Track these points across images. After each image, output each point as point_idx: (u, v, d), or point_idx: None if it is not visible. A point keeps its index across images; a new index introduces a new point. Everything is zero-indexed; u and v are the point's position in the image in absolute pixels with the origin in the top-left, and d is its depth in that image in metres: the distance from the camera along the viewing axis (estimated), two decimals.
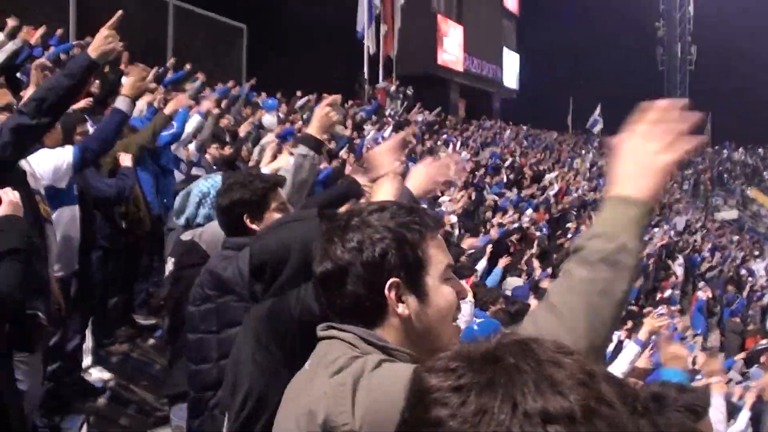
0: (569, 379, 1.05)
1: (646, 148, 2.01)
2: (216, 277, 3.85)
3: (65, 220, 6.24)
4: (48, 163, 5.96)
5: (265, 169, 6.64)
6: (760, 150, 59.53)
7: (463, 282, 2.24)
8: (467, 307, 7.83)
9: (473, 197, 19.95)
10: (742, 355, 19.07)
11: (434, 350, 2.05)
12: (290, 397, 2.09)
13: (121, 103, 6.22)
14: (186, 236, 4.75)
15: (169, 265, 5.11)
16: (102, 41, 4.99)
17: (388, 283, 2.02)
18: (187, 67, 18.65)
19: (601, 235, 1.95)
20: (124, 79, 8.60)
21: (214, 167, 11.18)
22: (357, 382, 1.86)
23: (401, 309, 2.03)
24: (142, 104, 10.67)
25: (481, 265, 13.54)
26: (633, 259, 1.94)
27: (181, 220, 4.89)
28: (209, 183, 4.79)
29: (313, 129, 4.63)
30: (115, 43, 5.02)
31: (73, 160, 6.09)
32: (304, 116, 21.59)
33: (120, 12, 5.12)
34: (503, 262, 14.20)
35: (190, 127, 10.99)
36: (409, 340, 2.06)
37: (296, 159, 4.41)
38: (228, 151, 12.49)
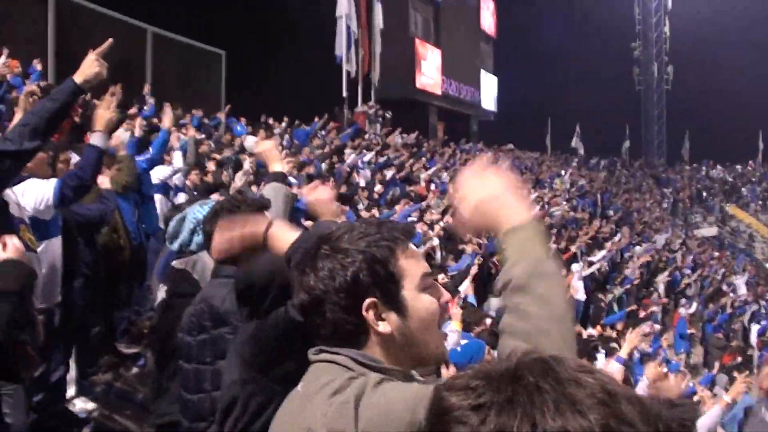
0: (589, 398, 1.05)
1: (491, 186, 2.19)
2: (211, 308, 3.83)
3: (51, 251, 6.20)
4: (31, 194, 5.91)
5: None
6: (738, 167, 59.93)
7: (442, 288, 2.24)
8: (454, 336, 7.84)
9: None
10: (715, 370, 19.21)
11: (422, 359, 2.14)
12: (284, 420, 2.07)
13: (96, 138, 6.13)
14: (179, 264, 4.72)
15: (161, 293, 5.08)
16: (88, 66, 4.97)
17: (365, 304, 2.03)
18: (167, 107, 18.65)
19: (516, 263, 2.08)
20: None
21: (195, 193, 11.19)
22: (359, 400, 1.85)
23: (382, 327, 2.04)
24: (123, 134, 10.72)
25: (464, 286, 13.53)
26: (553, 265, 2.09)
27: (174, 246, 4.85)
28: (204, 210, 4.73)
29: (270, 165, 4.67)
30: (102, 69, 5.01)
31: (53, 198, 6.01)
32: (284, 141, 21.65)
33: (110, 40, 5.12)
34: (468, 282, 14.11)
35: (178, 162, 11.08)
36: (396, 354, 2.08)
37: (272, 191, 4.40)
38: (209, 177, 12.51)
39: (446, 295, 2.23)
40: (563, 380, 1.07)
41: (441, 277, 12.28)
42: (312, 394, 1.97)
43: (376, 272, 2.04)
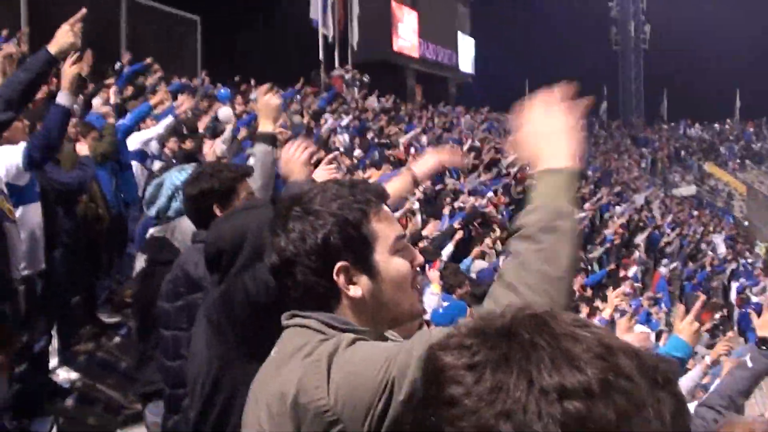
0: (586, 353, 1.04)
1: (547, 121, 2.17)
2: (186, 274, 3.83)
3: (30, 217, 6.16)
4: (2, 162, 5.87)
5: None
6: (716, 125, 60.17)
7: (412, 248, 2.24)
8: (434, 299, 7.86)
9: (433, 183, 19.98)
10: (705, 327, 19.27)
11: (395, 319, 2.15)
12: (259, 385, 2.07)
13: (61, 97, 6.01)
14: (157, 232, 4.70)
15: (140, 262, 5.06)
16: (62, 36, 4.93)
17: (336, 267, 2.02)
18: (148, 61, 18.46)
19: (536, 209, 2.04)
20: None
21: (174, 161, 11.14)
22: (332, 358, 1.86)
23: (353, 291, 2.04)
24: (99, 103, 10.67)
25: (447, 250, 13.56)
26: (570, 222, 2.03)
27: (152, 212, 4.82)
28: (183, 176, 4.70)
29: (262, 123, 4.59)
30: (76, 38, 4.97)
31: (22, 161, 5.96)
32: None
33: (84, 10, 5.08)
34: (475, 252, 14.21)
35: (162, 126, 11.02)
36: (369, 316, 2.08)
37: (257, 159, 4.36)
38: (189, 144, 12.44)
39: (419, 258, 2.22)
40: (559, 335, 1.06)
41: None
42: (286, 358, 1.98)
43: (347, 235, 2.03)
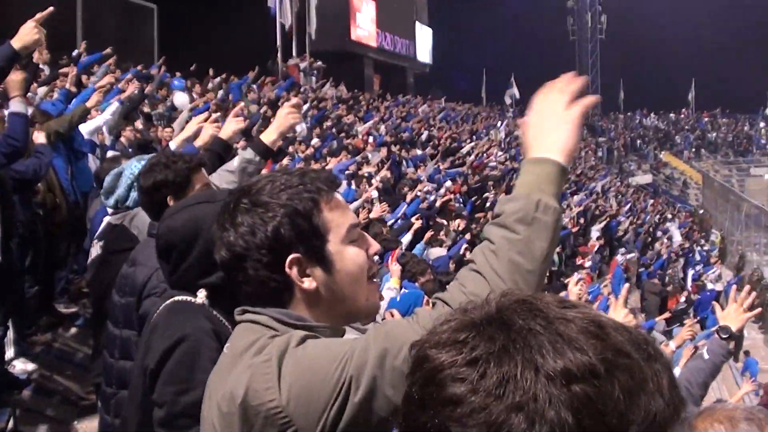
0: (582, 333, 1.04)
1: (551, 108, 2.07)
2: (134, 277, 3.75)
3: None
4: None
5: (173, 143, 6.50)
6: (671, 115, 60.76)
7: (369, 237, 2.18)
8: (392, 293, 7.86)
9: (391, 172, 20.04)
10: (665, 315, 19.51)
11: (352, 313, 2.10)
12: (212, 382, 2.02)
13: (16, 105, 6.11)
14: (115, 220, 4.66)
15: (96, 249, 5.01)
16: (27, 33, 4.91)
17: (288, 260, 1.97)
18: (107, 51, 18.30)
19: (518, 198, 1.96)
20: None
21: (129, 149, 11.07)
22: (282, 357, 1.81)
23: (307, 284, 1.98)
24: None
25: (407, 238, 13.59)
26: (551, 216, 1.94)
27: (110, 201, 4.77)
28: (141, 165, 4.64)
29: (271, 130, 4.50)
30: (41, 35, 4.96)
31: None
32: (218, 95, 21.48)
33: (51, 9, 5.07)
34: (426, 236, 14.26)
35: (108, 113, 10.90)
36: (324, 310, 2.03)
37: (241, 162, 4.29)
38: (139, 125, 12.41)
39: (375, 246, 2.17)
40: (552, 319, 1.06)
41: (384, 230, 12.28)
42: (236, 355, 1.93)
43: (298, 226, 1.98)
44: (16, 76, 5.99)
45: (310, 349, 1.83)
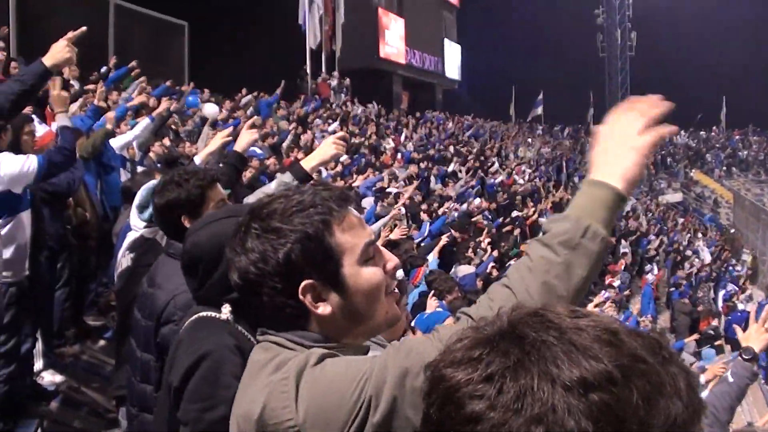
0: (596, 342, 1.04)
1: (624, 130, 2.02)
2: (153, 300, 3.70)
3: (21, 225, 6.22)
4: (8, 168, 5.88)
5: (198, 158, 6.54)
6: (702, 133, 60.31)
7: (386, 251, 2.11)
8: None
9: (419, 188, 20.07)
10: (694, 337, 19.34)
11: (372, 329, 2.06)
12: (236, 401, 1.95)
13: (62, 120, 6.26)
14: (148, 233, 4.69)
15: (127, 260, 5.04)
16: (59, 51, 4.98)
17: (301, 287, 1.91)
18: (133, 64, 18.43)
19: (567, 218, 1.93)
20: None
21: (158, 165, 11.14)
22: (300, 376, 1.77)
23: (321, 309, 1.93)
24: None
25: (432, 256, 13.56)
26: (597, 245, 1.90)
27: (144, 215, 4.80)
28: None
29: (310, 159, 4.41)
30: (72, 54, 5.02)
31: (38, 171, 6.00)
32: (248, 112, 21.55)
33: (83, 28, 5.13)
34: (436, 251, 14.19)
35: (139, 129, 11.00)
36: (344, 331, 1.99)
37: (278, 185, 4.22)
38: (167, 142, 12.49)
39: (393, 261, 2.10)
40: (565, 329, 1.06)
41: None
42: (255, 372, 1.90)
43: (310, 251, 1.91)
44: (60, 93, 6.11)
45: (329, 368, 1.79)
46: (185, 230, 3.62)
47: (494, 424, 1.01)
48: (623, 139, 2.00)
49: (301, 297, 1.92)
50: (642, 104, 2.08)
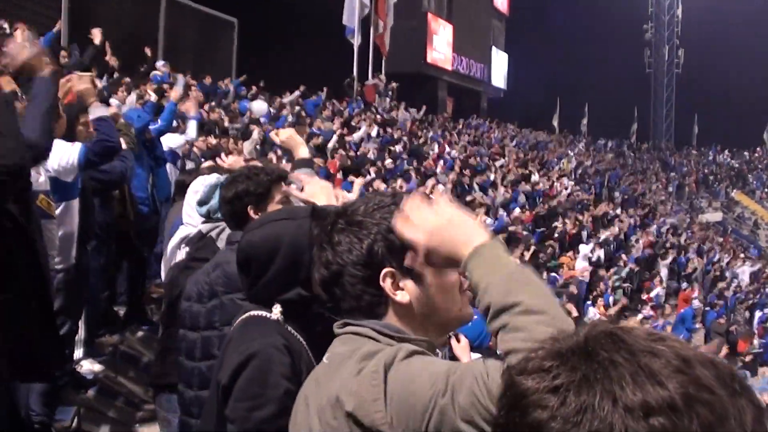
0: (665, 367, 1.03)
1: (437, 215, 2.00)
2: (225, 273, 3.82)
3: (70, 213, 6.30)
4: (55, 156, 5.95)
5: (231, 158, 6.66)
6: (745, 153, 59.89)
7: None
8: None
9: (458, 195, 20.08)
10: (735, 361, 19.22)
11: (446, 324, 2.14)
12: (310, 389, 2.06)
13: (97, 110, 6.30)
14: (206, 229, 4.73)
15: (181, 254, 5.09)
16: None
17: (382, 274, 2.02)
18: (180, 78, 18.60)
19: (488, 287, 1.90)
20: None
21: (202, 159, 11.25)
22: (388, 370, 1.84)
23: (399, 296, 2.03)
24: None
25: None
26: (524, 270, 1.93)
27: (202, 210, 4.85)
28: None
29: (296, 151, 4.59)
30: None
31: (78, 161, 6.11)
32: (294, 111, 21.66)
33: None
34: None
35: (192, 132, 11.13)
36: (419, 323, 2.07)
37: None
38: (212, 140, 12.59)
39: None
40: (636, 351, 1.06)
41: None
42: (338, 362, 1.98)
43: (390, 242, 2.02)
44: (83, 83, 6.16)
45: (414, 366, 1.86)
46: (250, 221, 3.79)
47: None
48: (449, 217, 2.00)
49: (381, 283, 2.02)
50: (420, 197, 2.09)
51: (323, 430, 1.91)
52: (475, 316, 6.30)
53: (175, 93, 11.42)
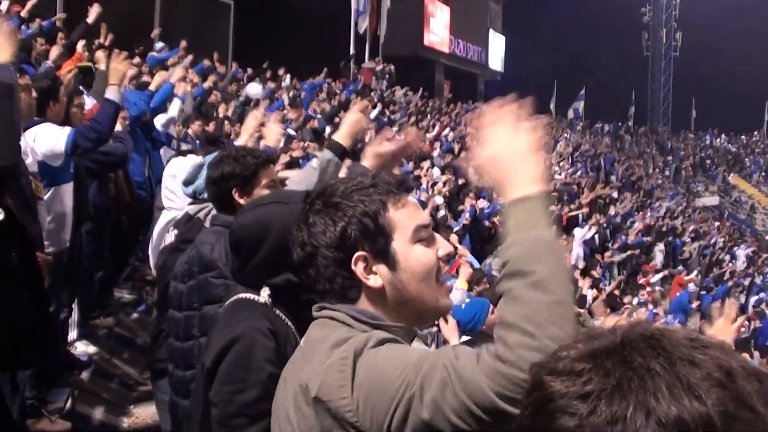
0: (705, 380, 0.99)
1: (510, 143, 2.02)
2: (199, 254, 3.85)
3: (61, 198, 6.27)
4: (43, 140, 5.93)
5: (238, 142, 6.56)
6: (742, 137, 59.87)
7: (441, 238, 2.19)
8: (458, 294, 7.86)
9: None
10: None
11: (419, 314, 2.12)
12: (288, 375, 2.08)
13: (111, 93, 6.26)
14: (193, 210, 4.74)
15: (171, 236, 5.10)
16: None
17: (354, 257, 2.03)
18: (182, 44, 18.56)
19: (516, 242, 1.90)
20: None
21: (197, 142, 11.23)
22: (358, 357, 1.84)
23: (372, 281, 2.04)
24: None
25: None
26: (553, 246, 1.91)
27: (188, 190, 4.86)
28: None
29: (341, 134, 4.32)
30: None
31: (65, 148, 6.04)
32: (290, 94, 21.62)
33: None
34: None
35: (174, 110, 11.03)
36: (392, 309, 2.07)
37: (321, 163, 4.25)
38: (211, 127, 12.51)
39: (446, 247, 2.18)
40: (675, 360, 1.01)
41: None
42: (312, 348, 1.99)
43: (364, 225, 2.04)
44: (119, 65, 6.15)
45: (383, 354, 1.86)
46: (234, 203, 3.88)
47: None
48: (514, 150, 2.01)
49: (353, 267, 2.04)
50: (504, 111, 2.09)
51: (296, 414, 1.92)
52: (467, 299, 6.27)
53: (176, 76, 11.41)
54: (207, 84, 14.78)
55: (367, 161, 3.54)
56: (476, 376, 1.73)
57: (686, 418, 0.95)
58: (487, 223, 17.40)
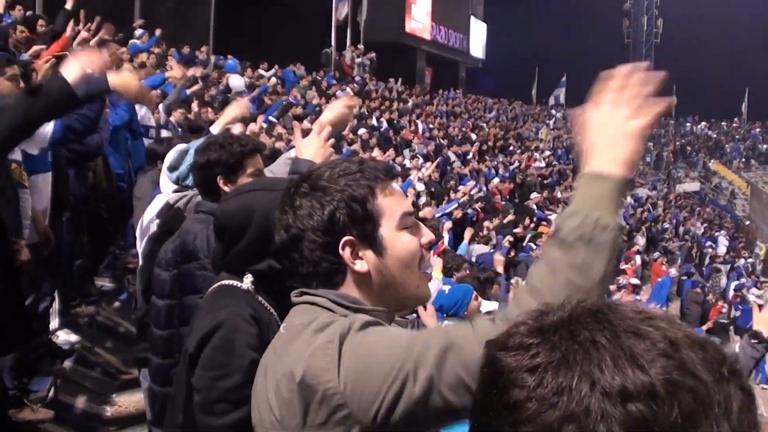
0: (650, 350, 1.01)
1: (615, 116, 1.95)
2: (183, 243, 3.85)
3: (39, 187, 6.23)
4: None
5: (215, 127, 6.50)
6: (723, 124, 60.06)
7: (423, 227, 2.20)
8: (434, 284, 7.88)
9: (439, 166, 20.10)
10: (707, 325, 19.37)
11: (402, 299, 2.14)
12: (268, 362, 2.06)
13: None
14: (173, 200, 4.72)
15: (153, 226, 5.08)
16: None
17: (341, 242, 2.02)
18: (157, 32, 18.50)
19: (576, 214, 1.88)
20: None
21: (179, 130, 11.19)
22: (343, 340, 1.83)
23: (359, 266, 2.03)
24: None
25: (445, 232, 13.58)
26: (610, 235, 1.85)
27: (172, 176, 4.84)
28: None
29: (324, 118, 4.16)
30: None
31: (53, 135, 5.94)
32: (270, 82, 21.60)
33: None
34: (468, 234, 14.28)
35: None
36: (375, 294, 2.08)
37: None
38: (192, 116, 12.49)
39: (429, 235, 2.19)
40: (620, 332, 1.03)
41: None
42: (294, 334, 1.97)
43: (353, 210, 2.03)
44: (131, 81, 6.11)
45: (371, 336, 1.86)
46: (219, 190, 3.88)
47: (529, 415, 1.01)
48: (618, 126, 1.95)
49: (340, 251, 2.02)
50: (633, 80, 2.02)
51: (278, 402, 1.91)
52: (446, 286, 6.27)
53: (175, 72, 11.44)
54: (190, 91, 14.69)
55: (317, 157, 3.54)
56: (473, 342, 1.75)
57: (630, 387, 0.97)
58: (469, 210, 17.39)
